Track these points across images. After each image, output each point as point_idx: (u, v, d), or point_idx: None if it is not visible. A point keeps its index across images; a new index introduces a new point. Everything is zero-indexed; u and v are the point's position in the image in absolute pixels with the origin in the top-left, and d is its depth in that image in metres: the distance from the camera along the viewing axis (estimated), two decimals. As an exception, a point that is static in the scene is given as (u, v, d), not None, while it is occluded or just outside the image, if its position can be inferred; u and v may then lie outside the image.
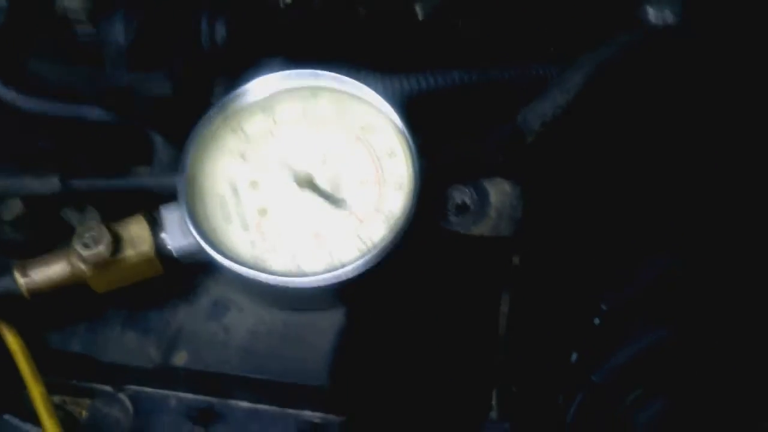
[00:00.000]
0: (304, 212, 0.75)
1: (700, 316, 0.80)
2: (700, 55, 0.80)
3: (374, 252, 0.71)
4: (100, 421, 0.77)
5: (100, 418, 0.78)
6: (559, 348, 0.81)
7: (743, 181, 0.85)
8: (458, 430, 0.81)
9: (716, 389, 0.78)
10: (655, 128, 0.85)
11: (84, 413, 0.79)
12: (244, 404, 0.76)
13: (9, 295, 0.73)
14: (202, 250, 0.73)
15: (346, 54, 0.79)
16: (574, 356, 0.81)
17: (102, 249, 0.72)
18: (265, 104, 0.78)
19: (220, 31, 0.80)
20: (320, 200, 0.75)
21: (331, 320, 0.74)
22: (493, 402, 0.80)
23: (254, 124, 0.78)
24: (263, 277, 0.71)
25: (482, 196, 0.77)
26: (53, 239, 0.77)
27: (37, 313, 0.76)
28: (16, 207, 0.78)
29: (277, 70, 0.79)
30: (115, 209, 0.77)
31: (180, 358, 0.75)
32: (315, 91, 0.78)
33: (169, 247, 0.74)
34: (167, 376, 0.75)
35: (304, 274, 0.72)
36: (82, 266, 0.73)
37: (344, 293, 0.73)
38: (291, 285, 0.72)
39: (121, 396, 0.78)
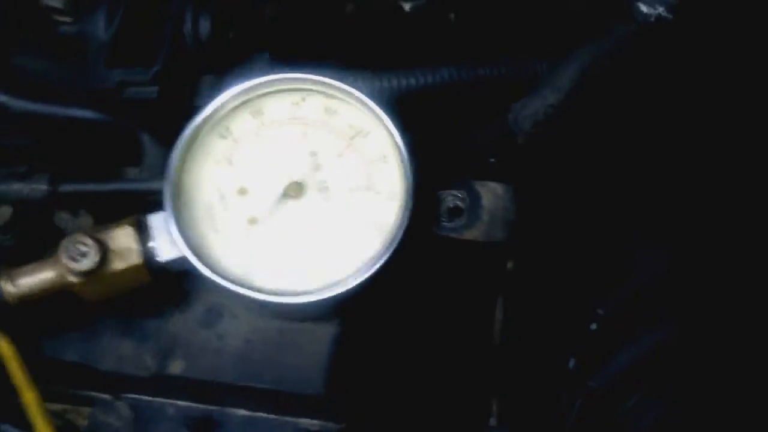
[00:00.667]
0: (295, 223, 0.74)
1: (698, 319, 0.79)
2: (693, 49, 0.79)
3: (368, 268, 0.71)
4: (99, 430, 0.77)
5: (99, 426, 0.78)
6: (557, 354, 0.81)
7: (739, 181, 0.84)
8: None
9: (716, 393, 0.77)
10: (649, 125, 0.83)
11: (84, 422, 0.79)
12: (242, 412, 0.75)
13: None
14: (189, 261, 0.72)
15: (333, 50, 0.78)
16: (572, 362, 0.80)
17: (89, 262, 0.72)
18: (254, 106, 0.77)
19: (204, 26, 0.80)
20: (311, 211, 0.74)
21: (327, 328, 0.74)
22: (493, 408, 0.79)
23: (242, 126, 0.77)
24: (252, 294, 0.71)
25: (474, 200, 0.76)
26: (44, 244, 0.76)
27: (33, 322, 0.76)
28: (5, 213, 0.78)
29: (263, 68, 0.78)
30: (104, 211, 0.77)
31: (176, 367, 0.74)
32: (304, 93, 0.77)
33: (157, 258, 0.73)
34: (164, 384, 0.75)
35: (295, 292, 0.71)
36: (70, 278, 0.72)
37: (338, 307, 0.72)
38: (281, 303, 0.71)
39: (120, 404, 0.78)
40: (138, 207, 0.75)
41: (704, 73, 0.82)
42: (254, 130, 0.77)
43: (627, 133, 0.84)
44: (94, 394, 0.78)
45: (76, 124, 0.80)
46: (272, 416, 0.75)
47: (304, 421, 0.74)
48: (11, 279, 0.73)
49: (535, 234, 0.79)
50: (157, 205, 0.74)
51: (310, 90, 0.77)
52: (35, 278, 0.73)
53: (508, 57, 0.81)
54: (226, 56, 0.80)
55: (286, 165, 0.76)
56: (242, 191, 0.75)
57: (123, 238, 0.73)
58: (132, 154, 0.80)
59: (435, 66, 0.80)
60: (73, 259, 0.72)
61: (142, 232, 0.74)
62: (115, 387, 0.77)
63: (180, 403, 0.76)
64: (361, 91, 0.76)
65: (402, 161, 0.74)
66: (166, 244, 0.73)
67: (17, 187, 0.78)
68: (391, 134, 0.74)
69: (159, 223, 0.74)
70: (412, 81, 0.79)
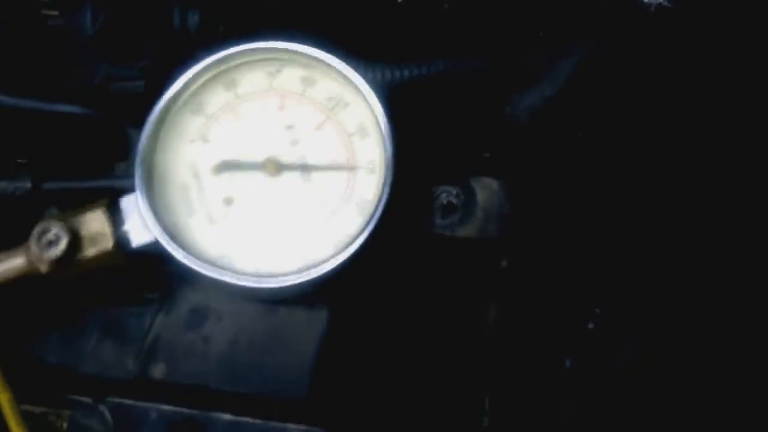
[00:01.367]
0: (273, 202, 0.72)
1: (696, 315, 0.78)
2: (693, 39, 0.77)
3: (350, 246, 0.69)
4: (80, 434, 0.76)
5: (79, 430, 0.76)
6: (553, 353, 0.79)
7: (740, 175, 0.82)
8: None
9: (716, 389, 0.76)
10: (650, 118, 0.82)
11: (64, 425, 0.78)
12: (227, 417, 0.73)
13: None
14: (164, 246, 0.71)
15: (325, 41, 0.76)
16: (569, 362, 0.79)
17: (61, 250, 0.70)
18: (227, 78, 0.75)
19: (193, 20, 0.79)
20: (289, 188, 0.72)
21: (314, 329, 0.72)
22: (486, 408, 0.78)
23: (215, 100, 0.75)
24: (230, 280, 0.69)
25: (469, 196, 0.75)
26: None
27: (13, 324, 0.75)
28: None
29: None
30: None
31: (158, 371, 0.73)
32: (280, 63, 0.75)
33: (131, 244, 0.72)
34: (146, 388, 0.73)
35: (275, 274, 0.69)
36: (42, 266, 0.71)
37: (322, 288, 0.71)
38: (260, 286, 0.69)
39: (101, 408, 0.76)
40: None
41: (706, 64, 0.80)
42: (229, 103, 0.75)
43: (627, 126, 0.82)
44: (75, 397, 0.77)
45: (63, 120, 0.79)
46: (257, 421, 0.73)
47: (290, 426, 0.72)
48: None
49: (531, 230, 0.78)
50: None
51: (286, 60, 0.75)
52: (5, 266, 0.71)
53: (504, 48, 0.80)
54: (215, 49, 0.77)
55: (263, 140, 0.74)
56: (217, 170, 0.73)
57: (94, 222, 0.72)
58: (120, 150, 0.79)
59: (429, 57, 0.78)
60: (44, 247, 0.70)
61: (115, 215, 0.72)
62: (97, 390, 0.76)
63: (163, 407, 0.74)
64: None
65: (382, 134, 0.72)
66: (139, 227, 0.72)
67: (1, 185, 0.77)
68: (371, 106, 0.72)
69: (131, 205, 0.72)
70: (406, 72, 0.78)
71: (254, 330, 0.72)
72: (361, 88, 0.73)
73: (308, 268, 0.69)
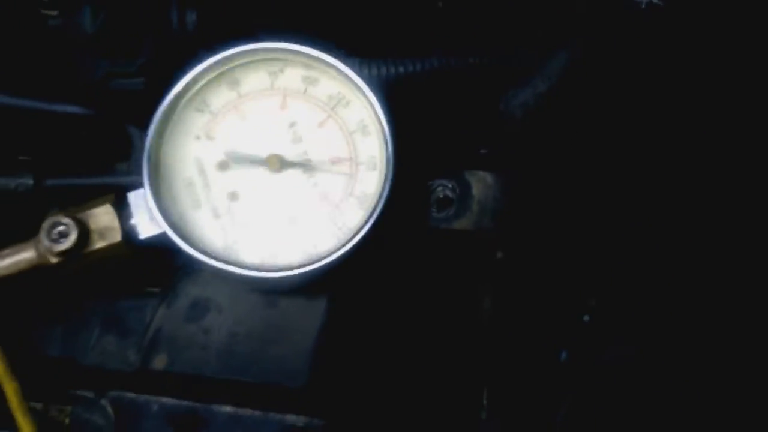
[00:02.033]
0: (277, 196, 0.74)
1: (691, 308, 0.78)
2: (685, 36, 0.78)
3: (352, 239, 0.70)
4: (82, 428, 0.76)
5: (82, 424, 0.77)
6: (549, 346, 0.80)
7: (737, 172, 0.83)
8: (448, 430, 0.79)
9: (714, 384, 0.77)
10: (641, 113, 0.83)
11: (66, 420, 0.78)
12: (227, 409, 0.74)
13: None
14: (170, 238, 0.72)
15: (322, 39, 0.77)
16: (564, 354, 0.79)
17: (71, 242, 0.72)
18: (230, 77, 0.77)
19: (191, 16, 0.79)
20: (292, 184, 0.74)
21: (314, 321, 0.73)
22: (483, 401, 0.78)
23: (219, 99, 0.76)
24: (236, 270, 0.71)
25: (464, 190, 0.76)
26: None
27: (15, 316, 0.75)
28: None
29: None
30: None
31: (159, 362, 0.73)
32: (282, 63, 0.77)
33: (138, 237, 0.73)
34: (147, 380, 0.74)
35: (279, 267, 0.71)
36: (51, 258, 0.72)
37: (324, 279, 0.72)
38: (265, 278, 0.70)
39: (103, 402, 0.77)
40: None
41: (698, 61, 0.81)
42: (232, 102, 0.76)
43: (621, 122, 0.83)
44: (76, 391, 0.77)
45: (64, 120, 0.79)
46: (258, 412, 0.73)
47: (290, 417, 0.73)
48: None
49: (526, 223, 0.78)
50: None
51: (288, 60, 0.76)
52: (15, 259, 0.73)
53: (497, 45, 0.80)
54: (213, 46, 0.78)
55: (266, 137, 0.75)
56: (222, 165, 0.75)
57: (103, 216, 0.73)
58: (120, 148, 0.79)
59: (423, 53, 0.79)
60: (54, 240, 0.72)
61: (123, 209, 0.73)
62: (98, 383, 0.76)
63: (164, 399, 0.74)
64: None
65: (383, 131, 0.73)
66: (146, 221, 0.73)
67: (3, 182, 0.77)
68: (372, 104, 0.74)
69: (139, 200, 0.73)
70: (401, 69, 0.78)
71: (254, 321, 0.73)
72: (362, 87, 0.74)
73: (312, 259, 0.71)
